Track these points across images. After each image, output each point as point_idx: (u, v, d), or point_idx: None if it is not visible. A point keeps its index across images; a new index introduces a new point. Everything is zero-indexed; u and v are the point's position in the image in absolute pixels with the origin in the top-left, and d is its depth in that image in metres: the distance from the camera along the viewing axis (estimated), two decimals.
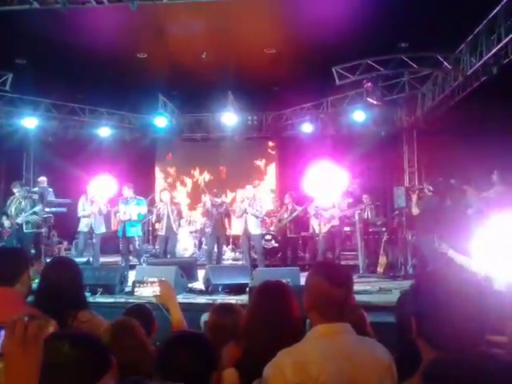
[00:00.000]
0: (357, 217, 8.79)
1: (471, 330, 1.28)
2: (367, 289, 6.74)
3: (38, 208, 8.26)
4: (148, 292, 5.89)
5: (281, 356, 1.76)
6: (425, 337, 1.36)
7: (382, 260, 8.60)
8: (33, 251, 8.50)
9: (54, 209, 9.55)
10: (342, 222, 8.74)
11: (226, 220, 9.25)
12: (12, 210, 8.14)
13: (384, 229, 9.25)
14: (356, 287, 6.80)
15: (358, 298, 6.05)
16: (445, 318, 1.29)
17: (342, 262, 9.02)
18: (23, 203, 8.12)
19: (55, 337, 1.38)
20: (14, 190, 8.26)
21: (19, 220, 8.04)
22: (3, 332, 1.25)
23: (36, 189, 9.08)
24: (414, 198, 7.50)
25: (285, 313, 2.13)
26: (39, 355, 1.24)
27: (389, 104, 10.25)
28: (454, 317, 1.28)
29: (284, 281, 5.81)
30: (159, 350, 1.81)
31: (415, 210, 7.32)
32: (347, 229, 9.59)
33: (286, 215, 9.11)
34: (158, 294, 2.71)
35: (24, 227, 8.08)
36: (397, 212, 9.32)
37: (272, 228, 10.39)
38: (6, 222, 8.27)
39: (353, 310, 2.33)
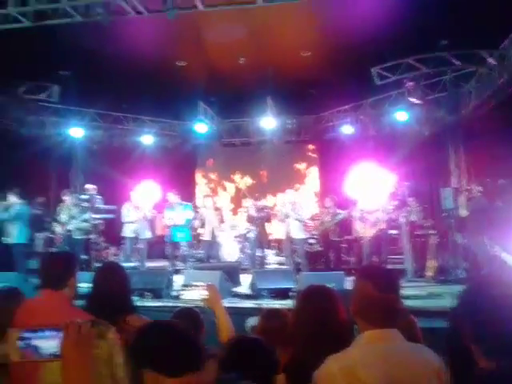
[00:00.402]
0: (403, 219, 8.57)
1: None
2: (416, 294, 6.54)
3: (87, 215, 8.55)
4: (195, 296, 5.96)
5: (330, 361, 1.73)
6: (479, 344, 1.30)
7: (431, 264, 8.33)
8: (84, 257, 8.79)
9: (102, 215, 9.84)
10: (388, 225, 8.54)
11: (268, 224, 9.25)
12: (63, 217, 8.45)
13: (432, 231, 8.95)
14: (404, 292, 6.66)
15: (406, 303, 5.93)
16: (501, 324, 1.23)
17: (389, 266, 8.82)
18: (73, 210, 8.43)
19: (156, 327, 1.49)
20: (65, 198, 8.58)
21: (70, 227, 8.34)
22: (59, 334, 1.29)
23: (84, 196, 9.37)
24: (463, 199, 7.24)
25: (331, 317, 2.10)
26: (92, 357, 1.30)
27: (432, 103, 9.99)
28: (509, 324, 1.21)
29: (328, 285, 5.83)
30: (220, 356, 1.81)
31: (463, 212, 7.07)
32: (393, 232, 9.35)
33: (327, 218, 9.01)
34: (206, 297, 2.72)
35: (75, 234, 8.37)
36: (445, 214, 9.01)
37: (314, 232, 10.30)
38: (58, 229, 8.57)
39: (402, 315, 2.26)
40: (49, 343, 1.30)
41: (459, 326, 1.47)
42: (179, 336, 1.46)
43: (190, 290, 6.10)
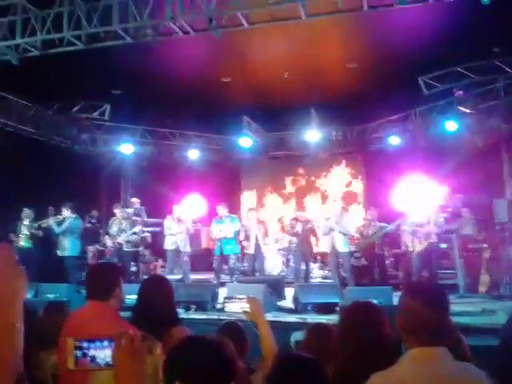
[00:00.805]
0: (454, 233, 8.27)
1: None
2: (469, 310, 6.29)
3: (137, 228, 8.82)
4: (237, 308, 5.97)
5: (375, 378, 1.70)
6: None
7: (485, 279, 7.99)
8: (133, 269, 9.04)
9: (150, 228, 10.09)
10: (439, 239, 8.26)
11: (313, 237, 9.15)
12: (114, 230, 8.74)
13: (485, 245, 8.58)
14: (456, 308, 6.42)
15: (459, 319, 5.72)
16: None
17: (440, 281, 8.52)
18: (124, 224, 8.72)
19: (189, 341, 1.54)
20: (116, 211, 8.89)
21: (120, 239, 8.62)
22: (112, 343, 1.33)
23: (131, 210, 9.65)
24: None
25: (375, 334, 2.05)
26: (144, 368, 1.34)
27: (484, 112, 9.65)
28: None
29: (376, 301, 5.68)
30: (269, 372, 1.80)
31: None
32: (444, 245, 9.02)
33: (368, 232, 8.81)
34: (248, 310, 2.72)
35: (124, 246, 8.63)
36: (499, 227, 8.61)
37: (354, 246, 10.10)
38: (109, 242, 8.88)
39: (450, 333, 2.18)
40: (104, 353, 1.35)
41: (510, 343, 1.39)
42: (211, 351, 1.48)
43: (234, 302, 6.12)
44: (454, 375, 1.67)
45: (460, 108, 9.26)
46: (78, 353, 1.34)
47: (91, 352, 1.34)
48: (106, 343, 1.35)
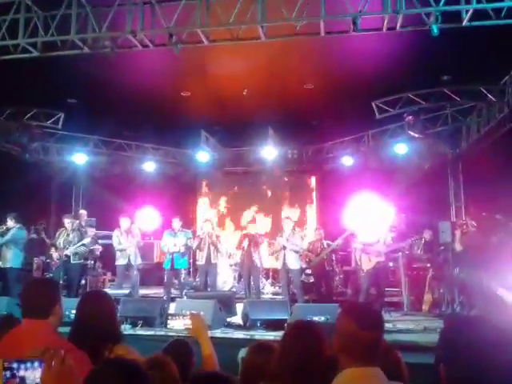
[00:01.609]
0: (400, 252, 8.55)
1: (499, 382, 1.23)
2: (411, 328, 6.49)
3: (87, 240, 8.52)
4: (180, 325, 5.92)
5: None
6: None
7: (428, 297, 8.29)
8: (82, 282, 8.76)
9: (101, 241, 9.85)
10: (387, 258, 8.51)
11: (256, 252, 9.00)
12: (61, 242, 8.44)
13: (428, 265, 8.93)
14: (400, 325, 6.60)
15: (401, 337, 5.90)
16: (471, 367, 1.24)
17: (386, 299, 8.76)
18: (71, 236, 8.42)
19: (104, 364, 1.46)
20: (66, 221, 8.55)
21: (68, 252, 8.32)
22: (42, 365, 1.31)
23: (83, 222, 9.41)
24: (458, 233, 7.23)
25: (315, 354, 2.09)
26: None
27: (432, 137, 10.11)
28: (481, 367, 1.23)
29: (323, 317, 5.79)
30: None
31: (458, 246, 7.06)
32: (390, 264, 9.31)
33: (319, 250, 9.01)
34: (190, 327, 2.72)
35: (71, 258, 8.35)
36: (442, 247, 8.99)
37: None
38: (55, 254, 8.57)
39: (386, 352, 2.26)
40: (34, 374, 1.32)
41: (437, 364, 1.48)
42: (130, 375, 1.41)
43: (177, 319, 6.05)
44: None
45: (409, 132, 9.65)
46: (7, 373, 1.31)
47: (21, 373, 1.32)
48: (36, 364, 1.33)
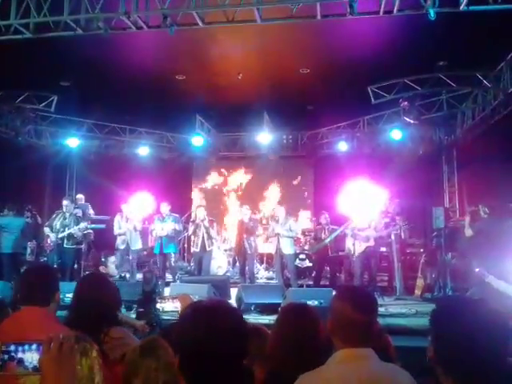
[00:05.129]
0: (393, 237, 8.60)
1: (490, 362, 1.25)
2: (403, 312, 6.58)
3: (82, 225, 8.46)
4: (169, 307, 5.96)
5: (303, 379, 1.75)
6: (442, 365, 1.33)
7: (420, 282, 8.37)
8: (75, 266, 8.75)
9: (93, 225, 9.82)
10: (377, 243, 8.54)
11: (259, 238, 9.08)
12: (57, 224, 8.37)
13: (422, 250, 9.00)
14: (392, 310, 6.67)
15: (393, 321, 5.97)
16: (463, 348, 1.26)
17: (378, 284, 8.84)
18: (68, 219, 8.36)
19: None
20: (64, 203, 8.46)
21: (62, 235, 8.27)
22: (40, 348, 1.31)
23: (77, 208, 9.36)
24: (467, 219, 7.16)
25: (309, 335, 2.11)
26: (74, 372, 1.30)
27: (427, 122, 10.11)
28: (474, 347, 1.25)
29: (316, 302, 5.83)
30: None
31: (468, 232, 6.98)
32: (383, 249, 9.37)
33: (323, 235, 8.94)
34: (179, 309, 2.72)
35: (65, 243, 8.31)
36: (435, 233, 9.06)
37: (307, 247, 10.27)
38: (52, 235, 8.40)
39: (378, 335, 2.29)
40: (32, 356, 1.32)
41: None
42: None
43: (166, 302, 6.09)
44: (380, 375, 1.74)
45: (405, 118, 9.64)
46: (5, 356, 1.31)
47: (18, 355, 1.32)
48: (34, 347, 1.32)
